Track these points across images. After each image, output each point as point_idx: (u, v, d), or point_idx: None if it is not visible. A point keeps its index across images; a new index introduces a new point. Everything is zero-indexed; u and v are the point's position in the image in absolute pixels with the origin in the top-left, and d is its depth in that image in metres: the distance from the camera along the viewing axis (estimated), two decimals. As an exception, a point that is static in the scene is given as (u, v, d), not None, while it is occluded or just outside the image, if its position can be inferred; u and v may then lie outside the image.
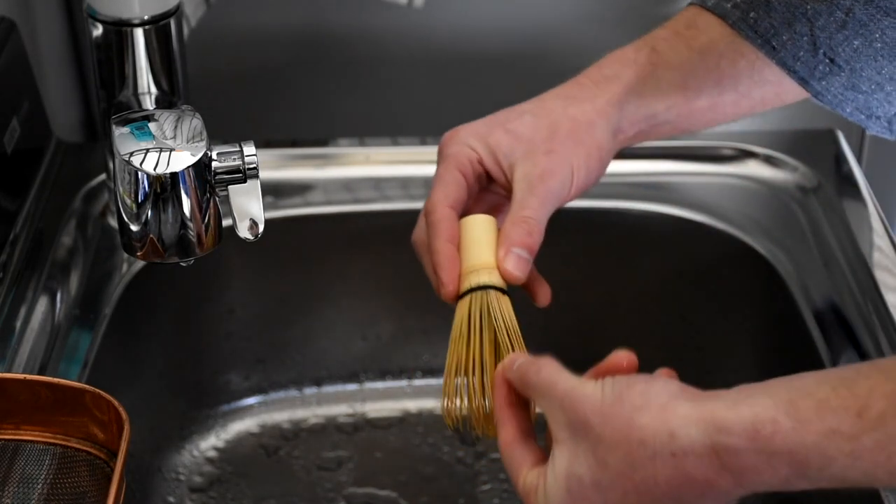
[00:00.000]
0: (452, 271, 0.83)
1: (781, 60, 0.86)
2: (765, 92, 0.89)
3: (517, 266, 0.83)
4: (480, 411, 0.81)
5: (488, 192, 0.89)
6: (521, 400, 0.78)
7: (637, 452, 0.68)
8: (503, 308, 0.82)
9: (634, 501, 0.69)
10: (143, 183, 0.82)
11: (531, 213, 0.84)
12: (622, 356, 0.76)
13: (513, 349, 0.80)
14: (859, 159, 1.34)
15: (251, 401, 1.17)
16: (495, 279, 0.83)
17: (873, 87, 0.85)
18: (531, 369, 0.75)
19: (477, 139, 0.88)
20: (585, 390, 0.71)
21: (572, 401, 0.71)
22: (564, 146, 0.86)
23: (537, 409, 0.78)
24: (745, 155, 1.16)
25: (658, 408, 0.69)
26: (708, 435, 0.67)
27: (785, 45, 0.86)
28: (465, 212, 0.87)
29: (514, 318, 0.82)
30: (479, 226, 0.85)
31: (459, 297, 0.83)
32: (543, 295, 0.86)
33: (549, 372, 0.74)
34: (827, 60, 0.85)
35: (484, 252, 0.84)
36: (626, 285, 1.15)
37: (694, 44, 0.89)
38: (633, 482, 0.69)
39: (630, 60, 0.89)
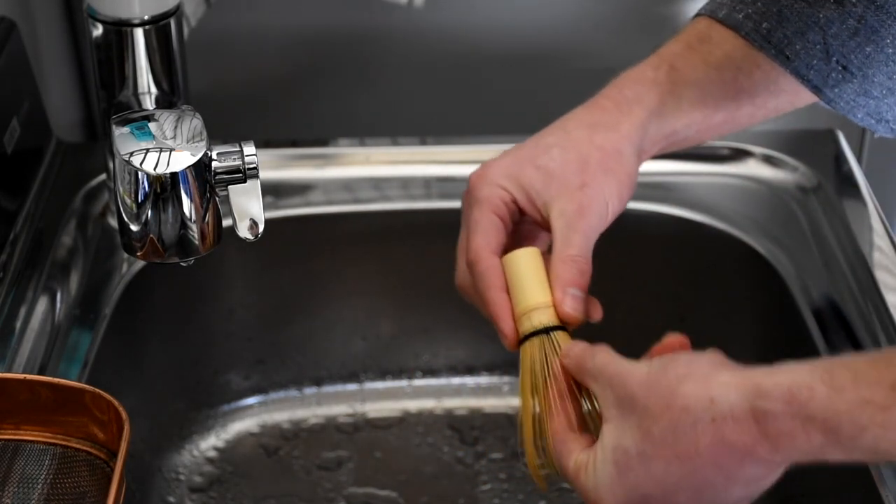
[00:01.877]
0: (510, 321, 0.83)
1: (795, 70, 0.86)
2: (780, 101, 0.89)
3: (575, 307, 0.83)
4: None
5: (520, 222, 0.89)
6: (576, 396, 0.79)
7: (680, 420, 0.70)
8: (565, 345, 0.82)
9: (677, 471, 0.71)
10: (143, 183, 0.82)
11: (577, 250, 0.84)
12: (675, 338, 0.78)
13: (580, 394, 0.80)
14: (859, 159, 1.34)
15: (251, 401, 1.17)
16: (553, 318, 0.82)
17: (884, 91, 0.86)
18: (587, 354, 0.78)
19: (508, 179, 0.87)
20: (634, 368, 0.74)
21: (621, 377, 0.74)
22: (596, 179, 0.86)
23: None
24: (745, 155, 1.16)
25: (701, 376, 0.71)
26: (747, 399, 0.69)
27: (798, 55, 0.86)
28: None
29: None
30: (525, 261, 0.84)
31: (520, 341, 0.83)
32: (596, 311, 0.86)
33: (604, 356, 0.77)
34: (840, 68, 0.85)
35: (536, 290, 0.83)
36: (626, 285, 1.15)
37: (710, 59, 0.88)
38: (675, 451, 0.70)
39: (649, 81, 0.89)
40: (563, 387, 0.79)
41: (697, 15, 0.91)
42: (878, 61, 0.85)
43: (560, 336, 0.82)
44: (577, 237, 0.84)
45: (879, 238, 1.06)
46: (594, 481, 0.74)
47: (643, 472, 0.72)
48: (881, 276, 1.02)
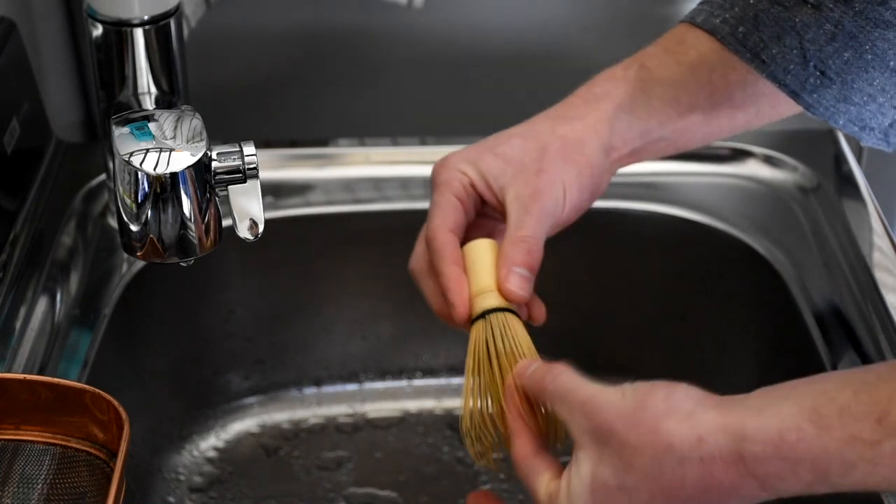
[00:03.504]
0: (462, 294, 0.84)
1: (772, 74, 0.86)
2: (759, 105, 0.89)
3: (519, 285, 0.83)
4: (499, 436, 0.81)
5: (484, 217, 0.90)
6: (533, 409, 0.78)
7: (664, 456, 0.69)
8: (516, 329, 0.82)
9: (661, 502, 0.70)
10: (143, 183, 0.82)
11: (528, 231, 0.85)
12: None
13: (534, 404, 0.80)
14: (859, 159, 1.33)
15: (251, 401, 1.17)
16: (504, 301, 0.83)
17: (865, 98, 0.85)
18: (547, 376, 0.76)
19: (467, 164, 0.88)
20: (606, 396, 0.72)
21: (595, 406, 0.72)
22: (554, 165, 0.87)
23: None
24: (745, 155, 1.16)
25: (684, 414, 0.70)
26: (735, 442, 0.68)
27: (775, 59, 0.85)
28: (464, 237, 0.87)
29: (528, 338, 0.82)
30: (482, 250, 0.85)
31: (471, 322, 0.83)
32: (538, 313, 0.86)
33: (566, 378, 0.75)
34: (818, 73, 0.85)
35: (489, 274, 0.84)
36: (626, 285, 1.15)
37: (683, 59, 0.89)
38: (660, 484, 0.70)
39: (619, 77, 0.90)
40: (520, 403, 0.78)
41: (680, 22, 0.91)
42: (858, 67, 0.85)
43: (509, 318, 0.82)
44: (529, 219, 0.85)
45: (879, 238, 1.06)
46: None
47: (624, 503, 0.71)
48: (881, 276, 1.02)
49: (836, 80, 0.85)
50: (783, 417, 0.67)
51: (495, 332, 0.82)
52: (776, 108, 0.90)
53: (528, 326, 0.85)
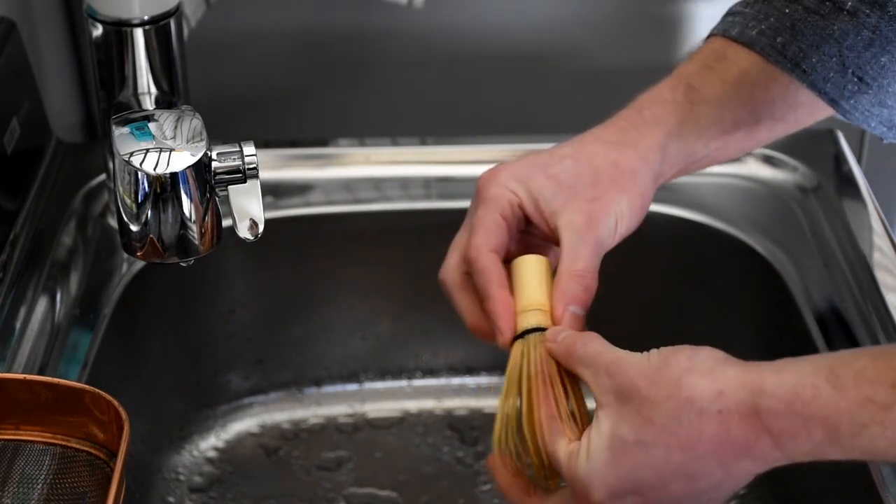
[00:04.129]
0: (510, 320, 0.83)
1: (812, 83, 0.86)
2: (798, 114, 0.89)
3: (573, 325, 0.82)
4: (540, 460, 0.80)
5: (526, 234, 0.88)
6: (563, 380, 0.79)
7: (684, 408, 0.71)
8: None
9: (678, 458, 0.71)
10: (143, 183, 0.82)
11: (584, 264, 0.83)
12: None
13: (566, 392, 0.79)
14: (859, 159, 1.34)
15: (251, 401, 1.17)
16: (549, 322, 0.82)
17: None
18: (578, 342, 0.78)
19: (517, 183, 0.86)
20: (632, 359, 0.74)
21: (619, 367, 0.74)
22: (608, 194, 0.85)
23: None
24: (745, 155, 1.16)
25: (706, 370, 0.72)
26: (752, 396, 0.70)
27: (815, 68, 0.86)
28: (505, 256, 0.86)
29: None
30: (534, 267, 0.84)
31: (514, 339, 0.82)
32: None
33: (595, 343, 0.77)
34: (856, 79, 0.85)
35: (537, 292, 0.83)
36: (626, 285, 1.15)
37: (727, 76, 0.88)
38: (678, 438, 0.71)
39: (668, 101, 0.88)
40: (551, 377, 0.79)
41: (710, 35, 0.90)
42: (893, 71, 0.85)
43: None
44: (585, 250, 0.84)
45: (879, 238, 1.06)
46: (586, 467, 0.74)
47: (641, 458, 0.72)
48: (881, 276, 1.02)
49: (872, 84, 0.85)
50: (800, 375, 0.69)
51: (537, 353, 0.80)
52: (813, 115, 0.90)
53: None
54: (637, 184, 0.87)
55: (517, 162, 0.88)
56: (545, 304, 0.82)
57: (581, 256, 0.83)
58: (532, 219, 0.87)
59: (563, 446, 0.76)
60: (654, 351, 0.74)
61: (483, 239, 0.85)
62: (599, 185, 0.86)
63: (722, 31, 0.89)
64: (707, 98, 0.88)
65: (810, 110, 0.89)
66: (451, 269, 0.87)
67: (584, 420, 0.78)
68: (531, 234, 0.88)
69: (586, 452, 0.74)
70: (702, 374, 0.72)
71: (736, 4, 0.90)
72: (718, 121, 0.88)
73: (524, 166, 0.87)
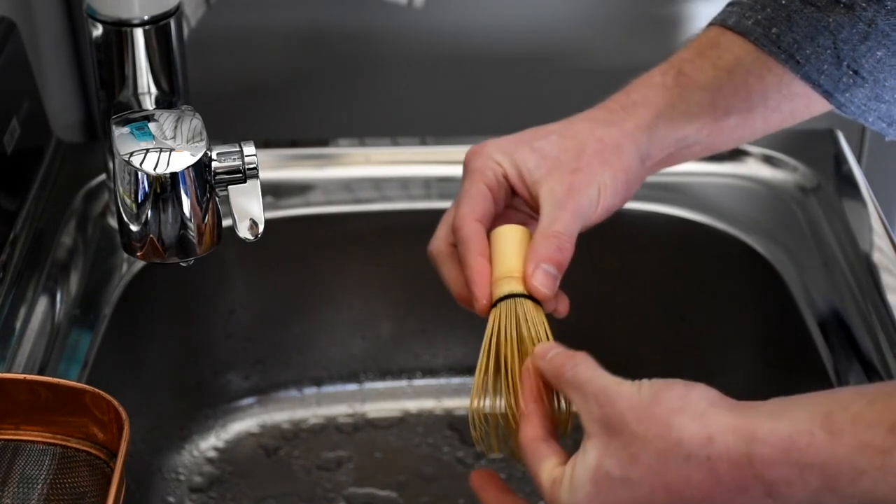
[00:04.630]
0: (485, 286, 0.83)
1: (806, 74, 0.86)
2: (794, 105, 0.89)
3: (544, 282, 0.82)
4: (511, 423, 0.80)
5: (512, 208, 0.89)
6: (548, 395, 0.78)
7: (672, 451, 0.69)
8: (535, 316, 0.82)
9: (662, 500, 0.70)
10: (143, 183, 0.82)
11: (561, 227, 0.84)
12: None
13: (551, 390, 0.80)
14: (859, 159, 1.34)
15: (251, 401, 1.17)
16: (526, 288, 0.82)
17: None
18: (567, 363, 0.76)
19: (502, 154, 0.87)
20: (622, 388, 0.72)
21: (608, 396, 0.72)
22: (591, 165, 0.86)
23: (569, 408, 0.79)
24: (744, 155, 1.16)
25: (698, 412, 0.69)
26: (745, 443, 0.67)
27: (809, 59, 0.86)
28: (490, 227, 0.87)
29: (547, 326, 0.82)
30: (511, 235, 0.84)
31: (492, 305, 0.83)
32: (563, 307, 0.86)
33: (586, 367, 0.75)
34: (850, 72, 0.85)
35: (515, 260, 0.83)
36: (626, 285, 1.15)
37: (720, 63, 0.88)
38: (664, 480, 0.69)
39: (657, 84, 0.89)
40: (537, 387, 0.78)
41: (709, 25, 0.91)
42: (890, 65, 0.85)
43: (530, 305, 0.82)
44: (563, 215, 0.84)
45: (879, 238, 1.06)
46: (569, 497, 0.73)
47: (625, 495, 0.70)
48: (881, 276, 1.02)
49: (868, 78, 0.85)
50: (795, 422, 0.67)
51: (516, 316, 0.81)
52: (809, 107, 0.89)
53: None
54: (622, 159, 0.87)
55: (504, 137, 0.89)
56: (522, 270, 0.83)
57: (557, 220, 0.84)
58: (516, 189, 0.87)
59: (547, 470, 0.75)
60: (645, 382, 0.72)
61: (468, 208, 0.85)
62: (583, 157, 0.86)
63: (720, 20, 0.90)
64: (698, 83, 0.88)
65: (806, 103, 0.89)
66: (438, 240, 0.88)
67: (570, 421, 0.78)
68: (517, 209, 0.89)
69: (569, 481, 0.73)
70: (692, 417, 0.69)
71: None
72: (710, 107, 0.88)
73: (510, 140, 0.88)
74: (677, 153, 0.90)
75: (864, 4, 0.84)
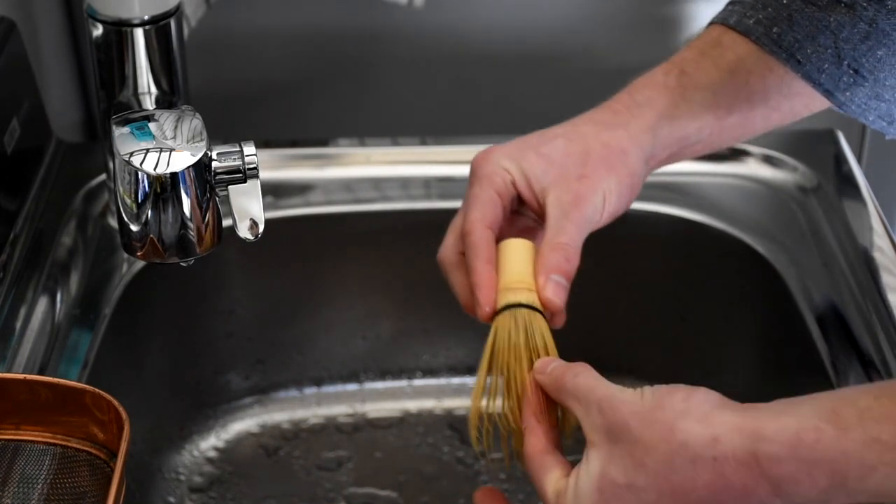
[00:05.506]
0: (490, 292, 0.83)
1: (807, 73, 0.86)
2: (794, 104, 0.89)
3: (556, 293, 0.83)
4: (510, 429, 0.81)
5: (519, 215, 0.90)
6: (551, 408, 0.78)
7: (678, 454, 0.69)
8: (539, 326, 0.82)
9: None
10: (143, 183, 0.82)
11: (567, 238, 0.84)
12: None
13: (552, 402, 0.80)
14: (859, 159, 1.34)
15: (251, 401, 1.17)
16: (531, 298, 0.83)
17: None
18: (567, 373, 0.76)
19: (510, 161, 0.88)
20: (624, 396, 0.72)
21: (611, 404, 0.72)
22: (597, 172, 0.86)
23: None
24: (744, 155, 1.16)
25: (702, 414, 0.69)
26: (751, 442, 0.67)
27: (810, 59, 0.86)
28: (498, 234, 0.87)
29: (550, 336, 0.82)
30: (518, 248, 0.85)
31: (495, 314, 0.83)
32: (559, 319, 0.86)
33: (586, 377, 0.75)
34: (851, 71, 0.85)
35: (521, 271, 0.84)
36: (626, 285, 1.15)
37: (721, 62, 0.89)
38: (671, 484, 0.69)
39: (660, 84, 0.89)
40: (541, 400, 0.78)
41: (710, 24, 0.91)
42: (890, 65, 0.85)
43: (535, 316, 0.82)
44: (569, 226, 0.85)
45: (879, 238, 1.06)
46: None
47: (631, 502, 0.70)
48: (881, 276, 1.02)
49: (868, 77, 0.85)
50: (802, 419, 0.67)
51: (519, 326, 0.81)
52: (809, 106, 0.90)
53: None
54: (627, 164, 0.87)
55: (510, 143, 0.89)
56: (527, 282, 0.83)
57: (564, 231, 0.84)
58: (524, 196, 0.88)
59: (552, 482, 0.75)
60: (647, 389, 0.72)
61: (479, 213, 0.86)
62: (589, 163, 0.86)
63: (721, 19, 0.90)
64: (700, 83, 0.89)
65: (806, 101, 0.89)
66: (447, 248, 0.88)
67: (570, 429, 0.79)
68: (523, 216, 0.90)
69: (574, 492, 0.73)
70: (697, 420, 0.69)
71: None
72: (712, 106, 0.89)
73: (517, 146, 0.89)
74: (679, 152, 0.91)
75: (864, 4, 0.84)
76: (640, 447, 0.70)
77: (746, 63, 0.88)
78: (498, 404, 0.82)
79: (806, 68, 0.86)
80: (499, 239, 0.86)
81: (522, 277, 0.84)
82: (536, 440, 0.77)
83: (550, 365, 0.78)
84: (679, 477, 0.69)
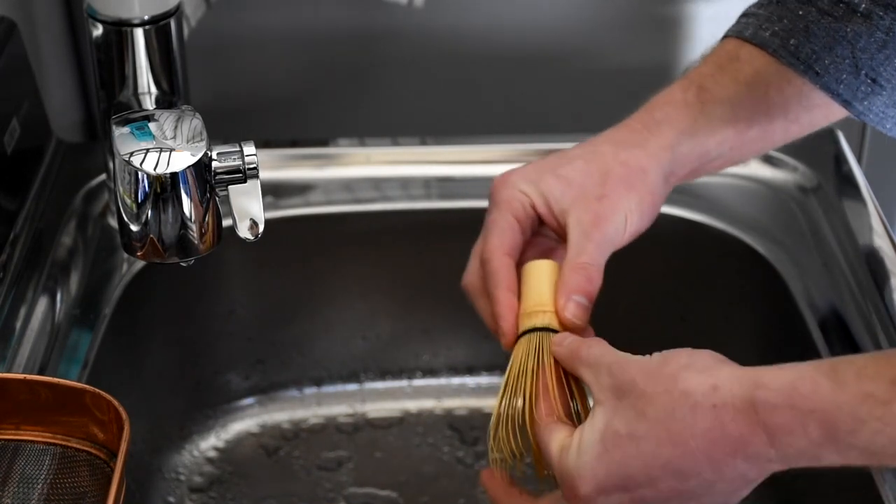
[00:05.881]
0: (511, 322, 0.84)
1: (825, 85, 0.86)
2: (813, 115, 0.90)
3: (577, 314, 0.83)
4: (532, 453, 0.81)
5: (539, 235, 0.90)
6: (564, 389, 0.80)
7: (678, 403, 0.71)
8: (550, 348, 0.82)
9: (667, 453, 0.71)
10: (143, 183, 0.82)
11: (589, 258, 0.85)
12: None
13: (569, 390, 0.80)
14: (859, 159, 1.33)
15: (251, 401, 1.17)
16: (552, 322, 0.83)
17: None
18: (582, 346, 0.79)
19: (528, 184, 0.88)
20: (633, 357, 0.75)
21: (621, 366, 0.75)
22: (616, 192, 0.87)
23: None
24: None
25: (703, 367, 0.73)
26: (749, 390, 0.70)
27: (828, 70, 0.86)
28: (521, 258, 0.87)
29: None
30: (542, 270, 0.85)
31: (518, 337, 0.84)
32: (587, 336, 0.86)
33: (600, 347, 0.78)
34: (869, 81, 0.85)
35: (543, 295, 0.84)
36: (626, 285, 1.15)
37: (740, 76, 0.88)
38: (669, 432, 0.71)
39: (679, 101, 0.89)
40: (553, 378, 0.79)
41: (725, 37, 0.91)
42: None
43: (551, 340, 0.82)
44: (590, 246, 0.85)
45: (879, 238, 1.06)
46: (576, 461, 0.74)
47: (631, 451, 0.72)
48: (881, 276, 1.02)
49: (886, 86, 0.85)
50: (800, 371, 0.70)
51: (531, 351, 0.82)
52: (828, 116, 0.90)
53: None
54: (646, 182, 0.87)
55: (528, 165, 0.89)
56: (548, 305, 0.83)
57: (585, 251, 0.85)
58: (544, 218, 0.88)
59: (557, 441, 0.76)
60: (655, 353, 0.75)
61: (498, 240, 0.86)
62: (608, 183, 0.87)
63: (736, 32, 0.90)
64: (719, 98, 0.88)
65: (825, 112, 0.89)
66: (470, 274, 0.89)
67: (587, 415, 0.79)
68: (545, 236, 0.90)
69: (577, 446, 0.75)
70: (699, 371, 0.72)
71: (750, 6, 0.91)
72: (732, 121, 0.89)
73: (534, 168, 0.89)
74: (700, 168, 0.91)
75: (881, 13, 0.84)
76: (643, 399, 0.72)
77: (764, 76, 0.88)
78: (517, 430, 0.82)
79: (824, 79, 0.86)
80: (521, 262, 0.87)
81: (543, 300, 0.84)
82: (547, 407, 0.79)
83: (568, 339, 0.80)
84: (678, 425, 0.71)
